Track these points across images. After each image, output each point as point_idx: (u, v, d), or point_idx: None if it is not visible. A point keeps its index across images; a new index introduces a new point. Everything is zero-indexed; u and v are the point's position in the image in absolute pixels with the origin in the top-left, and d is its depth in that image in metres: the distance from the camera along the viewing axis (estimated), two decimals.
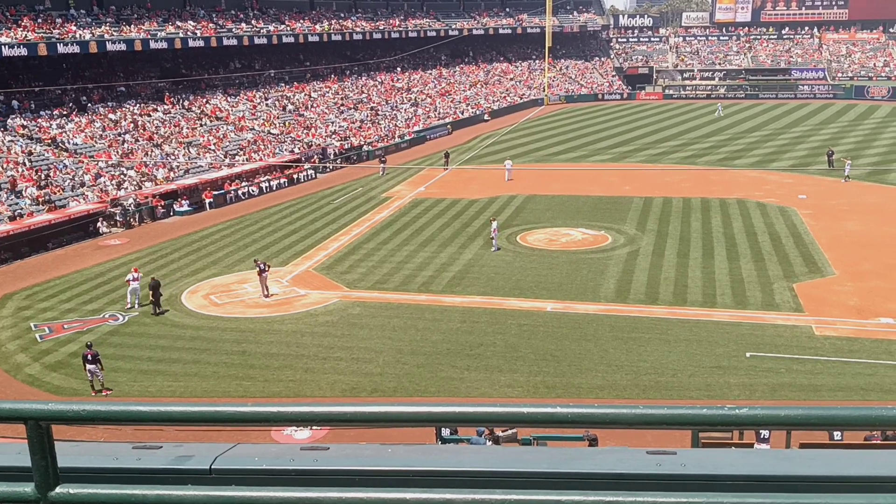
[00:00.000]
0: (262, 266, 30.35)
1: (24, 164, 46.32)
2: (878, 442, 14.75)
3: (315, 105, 74.45)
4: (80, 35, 57.51)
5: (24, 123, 51.72)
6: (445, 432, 15.38)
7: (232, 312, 29.44)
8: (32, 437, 2.00)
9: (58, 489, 2.02)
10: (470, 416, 2.01)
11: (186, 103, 64.85)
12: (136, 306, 29.73)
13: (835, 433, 14.91)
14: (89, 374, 22.77)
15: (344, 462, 2.46)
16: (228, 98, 69.05)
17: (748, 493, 1.92)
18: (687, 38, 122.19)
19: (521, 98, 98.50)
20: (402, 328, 27.05)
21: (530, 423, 1.97)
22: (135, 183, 48.19)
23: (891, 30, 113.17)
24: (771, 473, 2.30)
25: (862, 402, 20.30)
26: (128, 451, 2.54)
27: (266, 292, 30.39)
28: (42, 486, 2.01)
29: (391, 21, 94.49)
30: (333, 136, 67.23)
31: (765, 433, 15.01)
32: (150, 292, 29.26)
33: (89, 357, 22.70)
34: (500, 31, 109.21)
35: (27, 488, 2.03)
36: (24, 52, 52.91)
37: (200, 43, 67.37)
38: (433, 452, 2.78)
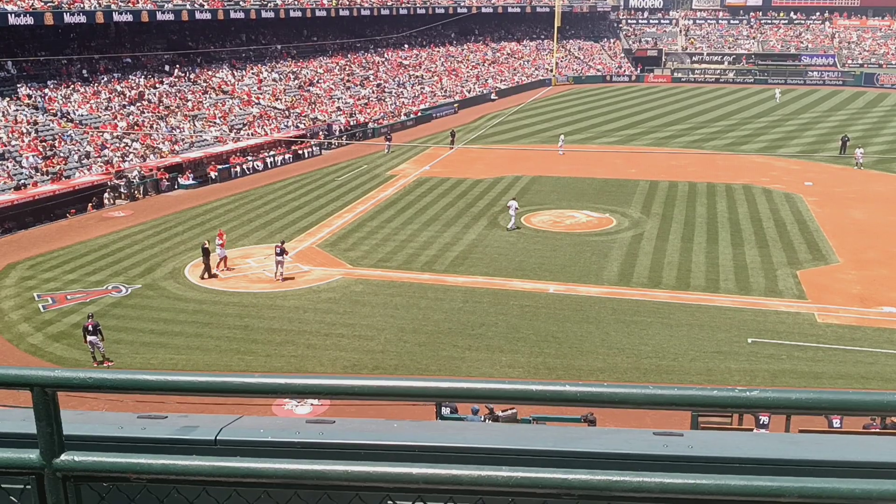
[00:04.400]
0: (278, 249, 30.06)
1: (29, 133, 46.26)
2: (877, 430, 14.79)
3: (321, 81, 74.17)
4: (87, 5, 57.19)
5: (30, 93, 51.58)
6: (445, 411, 15.44)
7: (235, 287, 29.51)
8: (38, 404, 1.99)
9: (63, 456, 2.02)
10: (478, 392, 2.00)
11: (192, 76, 64.61)
12: (225, 270, 30.80)
13: (834, 421, 14.95)
14: (90, 346, 22.86)
15: (349, 436, 2.45)
16: (235, 72, 68.80)
17: (755, 476, 1.90)
18: (697, 22, 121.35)
19: (529, 78, 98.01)
20: (404, 306, 27.10)
21: (538, 400, 1.96)
22: (140, 155, 48.13)
23: None
24: (777, 457, 2.29)
25: (862, 390, 20.35)
26: (133, 421, 2.54)
27: (281, 276, 30.13)
28: (47, 452, 2.01)
29: None
30: (339, 112, 67.01)
31: (764, 419, 15.05)
32: (202, 256, 30.43)
33: (90, 328, 22.79)
34: (509, 9, 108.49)
35: (32, 455, 2.02)
36: (30, 20, 52.65)
37: (207, 15, 66.98)
38: (438, 428, 2.77)
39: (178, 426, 2.49)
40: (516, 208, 36.58)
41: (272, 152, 53.57)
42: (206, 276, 30.15)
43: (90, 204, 41.46)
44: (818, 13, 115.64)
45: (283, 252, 29.93)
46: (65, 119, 50.13)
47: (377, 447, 2.37)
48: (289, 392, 1.99)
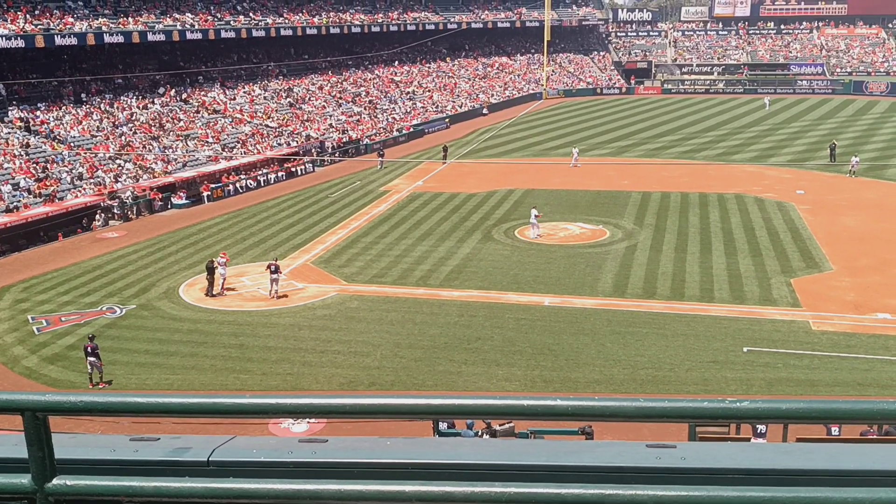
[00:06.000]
0: (273, 267, 30.07)
1: (22, 156, 46.21)
2: (875, 437, 14.76)
3: (313, 98, 74.34)
4: (78, 27, 57.34)
5: (22, 115, 51.57)
6: (443, 426, 15.39)
7: (230, 306, 29.43)
8: (29, 429, 1.99)
9: (55, 480, 2.01)
10: (469, 408, 2.01)
11: (184, 96, 64.72)
12: (224, 292, 30.48)
13: (833, 429, 14.93)
14: (90, 367, 22.75)
15: (342, 454, 2.45)
16: (226, 91, 68.92)
17: (748, 487, 1.91)
18: (686, 33, 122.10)
19: (520, 92, 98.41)
20: (399, 322, 27.05)
21: (530, 415, 1.96)
22: (132, 176, 48.12)
23: (889, 25, 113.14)
24: (771, 467, 2.29)
25: (859, 397, 20.34)
26: (125, 443, 2.53)
27: (276, 294, 30.00)
28: (39, 477, 2.00)
29: (389, 14, 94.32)
30: (331, 129, 67.15)
31: (761, 428, 15.03)
32: (206, 273, 30.34)
33: (88, 350, 22.68)
34: (499, 24, 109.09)
35: (24, 480, 2.02)
36: (21, 43, 52.74)
37: (198, 35, 67.21)
38: (431, 445, 2.77)
39: (170, 448, 2.48)
40: (536, 216, 36.99)
41: (265, 170, 53.61)
42: (210, 292, 30.11)
43: (94, 222, 41.88)
44: (806, 22, 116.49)
45: (277, 270, 29.91)
46: (56, 141, 50.12)
47: (370, 465, 2.36)
48: (279, 412, 1.99)
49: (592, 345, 24.60)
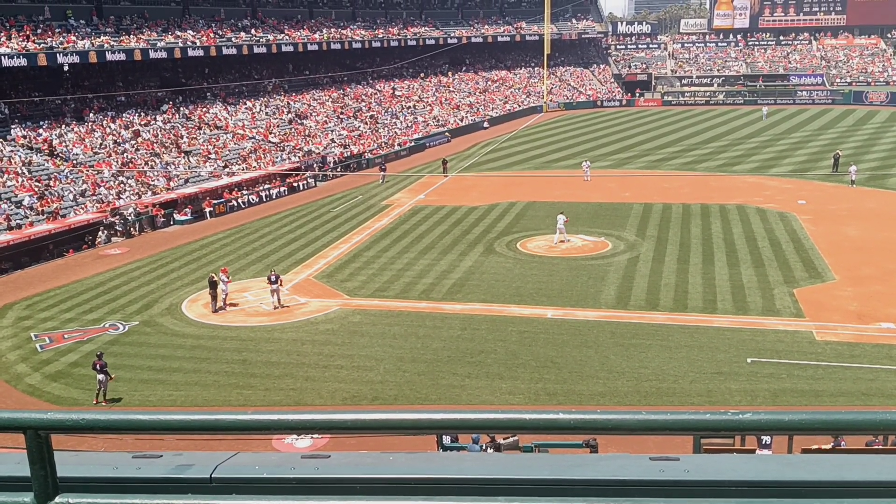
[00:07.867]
0: (273, 278, 30.25)
1: (24, 174, 46.34)
2: (880, 447, 14.69)
3: (314, 113, 74.58)
4: (80, 45, 57.62)
5: (24, 133, 51.76)
6: (446, 440, 15.34)
7: (232, 321, 29.41)
8: (32, 447, 1.99)
9: (57, 499, 2.01)
10: (471, 422, 2.00)
11: (186, 112, 64.95)
12: (226, 307, 30.42)
13: (842, 441, 14.85)
14: (98, 384, 22.71)
15: (345, 470, 2.44)
16: (228, 107, 69.16)
17: (752, 499, 1.90)
18: (685, 45, 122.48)
19: (521, 105, 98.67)
20: (402, 336, 27.01)
21: (533, 429, 1.96)
22: (134, 192, 48.23)
23: (888, 35, 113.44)
24: (775, 479, 2.29)
25: (863, 407, 20.25)
26: (127, 461, 2.53)
27: (278, 304, 30.18)
28: (41, 495, 2.00)
29: (390, 29, 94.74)
30: (333, 144, 67.31)
31: (767, 439, 14.96)
32: (209, 288, 30.36)
33: (97, 367, 22.64)
34: (499, 38, 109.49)
35: (26, 498, 2.02)
36: (23, 62, 53.00)
37: (200, 52, 67.48)
38: (435, 460, 2.76)
39: (172, 464, 2.48)
40: (565, 220, 37.49)
41: (267, 186, 53.73)
42: (214, 308, 30.12)
43: (97, 239, 42.00)
44: (805, 33, 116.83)
45: (276, 280, 30.02)
46: (59, 158, 50.26)
47: (373, 481, 2.35)
48: (281, 428, 1.99)
49: (596, 357, 24.54)
